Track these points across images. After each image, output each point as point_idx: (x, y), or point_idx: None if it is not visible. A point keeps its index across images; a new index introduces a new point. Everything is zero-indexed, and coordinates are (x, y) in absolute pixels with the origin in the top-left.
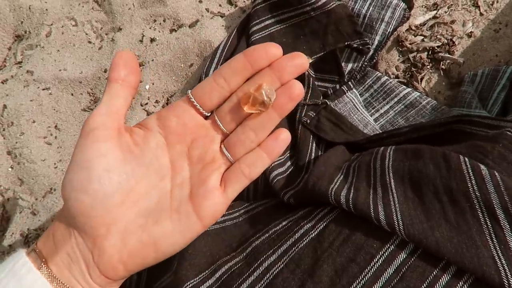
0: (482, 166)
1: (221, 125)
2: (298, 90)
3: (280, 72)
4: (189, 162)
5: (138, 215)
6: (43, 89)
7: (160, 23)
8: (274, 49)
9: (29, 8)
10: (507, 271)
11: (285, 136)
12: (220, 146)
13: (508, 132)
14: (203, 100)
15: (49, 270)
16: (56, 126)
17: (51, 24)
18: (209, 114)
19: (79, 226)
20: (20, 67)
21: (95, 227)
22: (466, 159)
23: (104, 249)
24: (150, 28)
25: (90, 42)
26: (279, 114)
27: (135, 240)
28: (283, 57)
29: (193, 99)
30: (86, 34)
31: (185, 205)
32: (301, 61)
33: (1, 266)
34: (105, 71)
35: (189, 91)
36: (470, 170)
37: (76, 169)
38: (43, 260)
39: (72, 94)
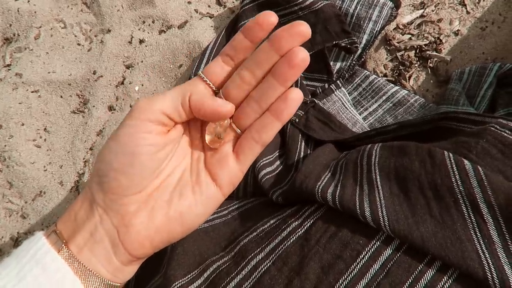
0: (466, 161)
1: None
2: (300, 57)
3: (278, 43)
4: (203, 135)
5: (165, 191)
6: (32, 92)
7: (149, 24)
8: (267, 17)
9: (18, 11)
10: (490, 265)
11: (294, 95)
12: (230, 122)
13: (492, 128)
14: (211, 77)
15: (69, 252)
16: (45, 129)
17: (40, 27)
18: (218, 91)
19: (108, 203)
20: (9, 70)
21: (126, 205)
22: (451, 154)
23: (132, 226)
24: (139, 29)
25: (79, 44)
26: (281, 82)
27: (161, 216)
28: (281, 28)
29: (203, 77)
30: (75, 36)
31: (203, 176)
32: (300, 29)
33: (22, 251)
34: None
35: (201, 70)
36: (454, 166)
37: (119, 152)
38: (64, 241)
39: (61, 97)
